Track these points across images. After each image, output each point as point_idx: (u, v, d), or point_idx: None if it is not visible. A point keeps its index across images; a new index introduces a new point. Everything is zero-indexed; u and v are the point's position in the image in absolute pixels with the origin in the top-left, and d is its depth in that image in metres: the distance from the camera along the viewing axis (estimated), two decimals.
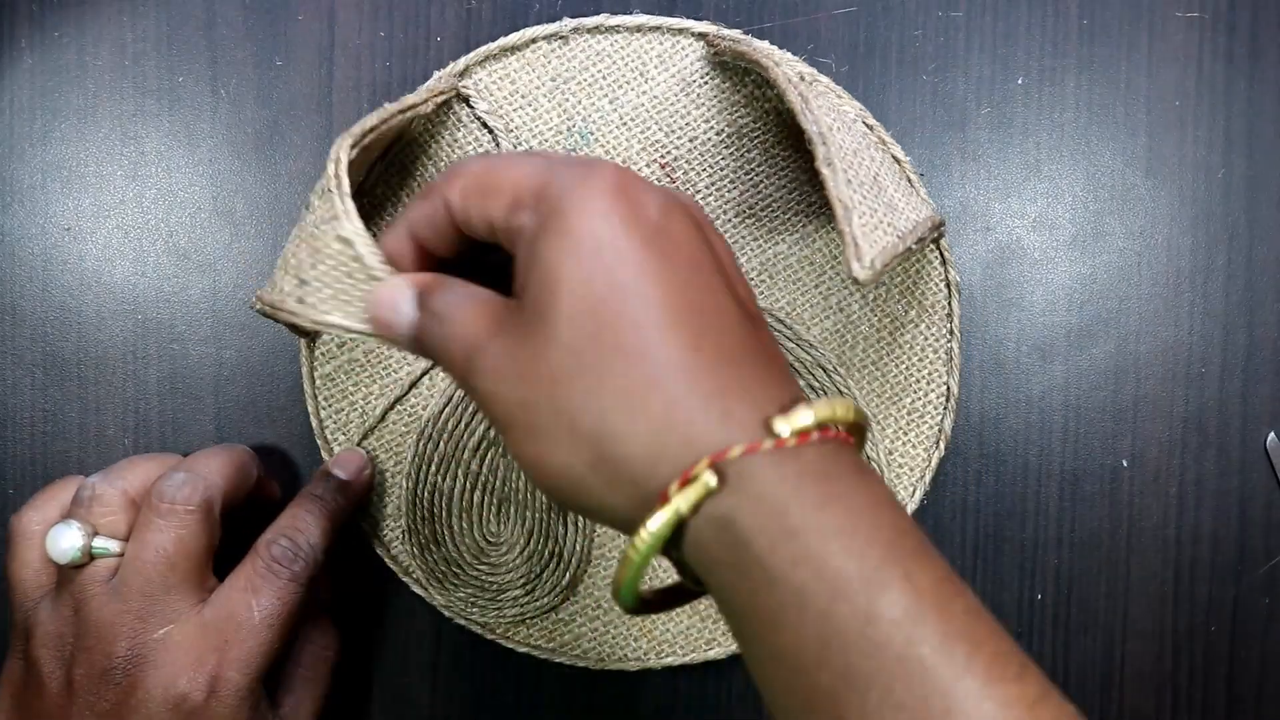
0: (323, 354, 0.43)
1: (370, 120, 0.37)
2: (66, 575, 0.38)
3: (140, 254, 0.44)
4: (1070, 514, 0.45)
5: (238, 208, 0.44)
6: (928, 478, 0.43)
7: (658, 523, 0.26)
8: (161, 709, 0.36)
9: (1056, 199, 0.45)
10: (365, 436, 0.43)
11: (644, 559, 0.26)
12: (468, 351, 0.29)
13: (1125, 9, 0.44)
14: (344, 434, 0.43)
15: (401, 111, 0.39)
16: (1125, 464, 0.45)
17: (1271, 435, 0.45)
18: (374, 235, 0.33)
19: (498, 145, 0.43)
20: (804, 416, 0.26)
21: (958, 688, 0.24)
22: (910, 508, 0.43)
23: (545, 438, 0.27)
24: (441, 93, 0.41)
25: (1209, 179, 0.45)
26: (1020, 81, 0.44)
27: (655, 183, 0.32)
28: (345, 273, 0.33)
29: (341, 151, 0.35)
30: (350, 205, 0.33)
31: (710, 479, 0.25)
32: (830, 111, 0.39)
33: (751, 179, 0.43)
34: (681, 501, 0.26)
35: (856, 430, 0.28)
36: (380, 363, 0.43)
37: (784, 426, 0.26)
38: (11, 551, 0.39)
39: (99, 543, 0.38)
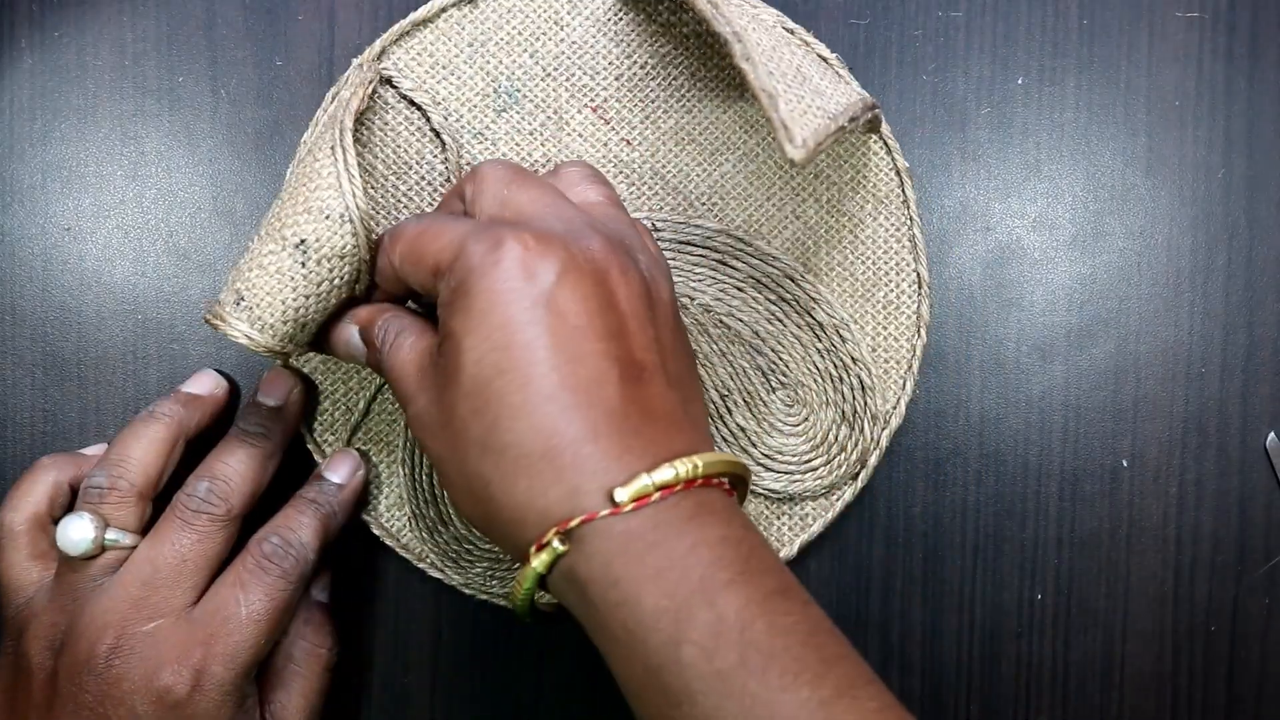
0: (296, 359, 0.43)
1: (351, 149, 0.37)
2: (72, 566, 0.38)
3: (140, 254, 0.44)
4: (1070, 514, 0.45)
5: (238, 208, 0.44)
6: (915, 367, 0.43)
7: (524, 579, 0.32)
8: (144, 702, 0.36)
9: (1056, 199, 0.45)
10: (354, 432, 0.43)
11: (522, 604, 0.32)
12: (404, 397, 0.34)
13: (1125, 9, 0.44)
14: (332, 433, 0.43)
15: (354, 116, 0.39)
16: (1125, 464, 0.45)
17: (1271, 435, 0.45)
18: None
19: (428, 119, 0.43)
20: (642, 483, 0.30)
21: (751, 694, 0.29)
22: (904, 401, 0.43)
23: (456, 490, 0.33)
24: (370, 81, 0.41)
25: (1209, 179, 0.45)
26: (1020, 81, 0.45)
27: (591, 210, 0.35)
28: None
29: (361, 205, 0.36)
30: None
31: (558, 544, 0.31)
32: (744, 16, 0.39)
33: (684, 104, 0.43)
34: (538, 562, 0.31)
35: (734, 479, 0.33)
36: None
37: (623, 494, 0.30)
38: (2, 551, 0.40)
39: (111, 534, 0.38)
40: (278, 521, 0.39)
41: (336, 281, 0.36)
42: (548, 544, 0.30)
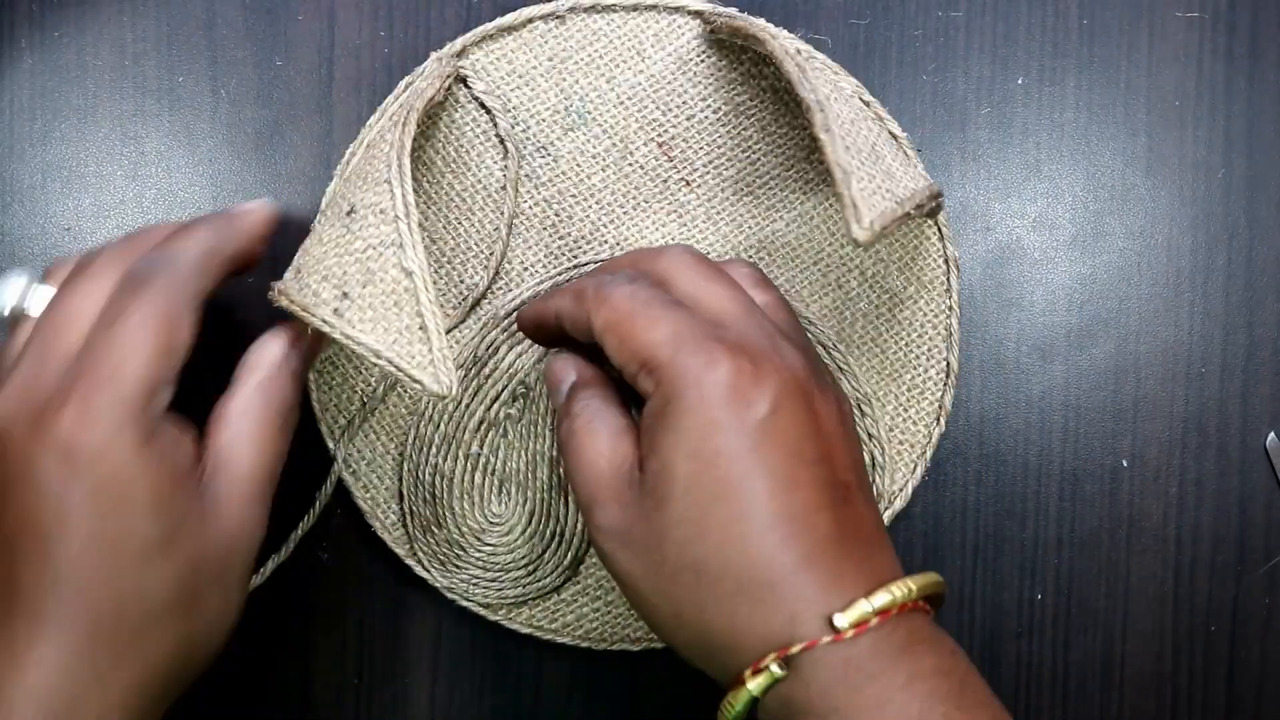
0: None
1: (412, 128, 0.38)
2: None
3: None
4: (1070, 514, 0.45)
5: None
6: (928, 454, 0.43)
7: (736, 700, 0.32)
8: (34, 445, 0.31)
9: (1056, 199, 0.45)
10: (366, 419, 0.43)
11: None
12: (587, 496, 0.34)
13: (1125, 9, 0.44)
14: (344, 416, 0.43)
15: (426, 106, 0.39)
16: (1125, 464, 0.45)
17: (1271, 435, 0.45)
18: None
19: (495, 125, 0.43)
20: (861, 610, 0.31)
21: None
22: (911, 485, 0.43)
23: (652, 610, 0.33)
24: (449, 75, 0.42)
25: (1209, 179, 0.45)
26: (1020, 81, 0.45)
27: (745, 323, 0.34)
28: (394, 301, 0.34)
29: (403, 171, 0.35)
30: (417, 234, 0.35)
31: (776, 670, 0.31)
32: (827, 84, 0.39)
33: (749, 156, 0.43)
34: (753, 686, 0.31)
35: (935, 598, 0.33)
36: None
37: (842, 620, 0.31)
38: None
39: (42, 291, 0.34)
40: (152, 253, 0.35)
41: (373, 241, 0.35)
42: (765, 669, 0.31)
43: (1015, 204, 0.45)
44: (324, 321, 0.35)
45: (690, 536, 0.32)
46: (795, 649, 0.31)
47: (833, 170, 0.34)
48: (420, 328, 0.34)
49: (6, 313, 0.35)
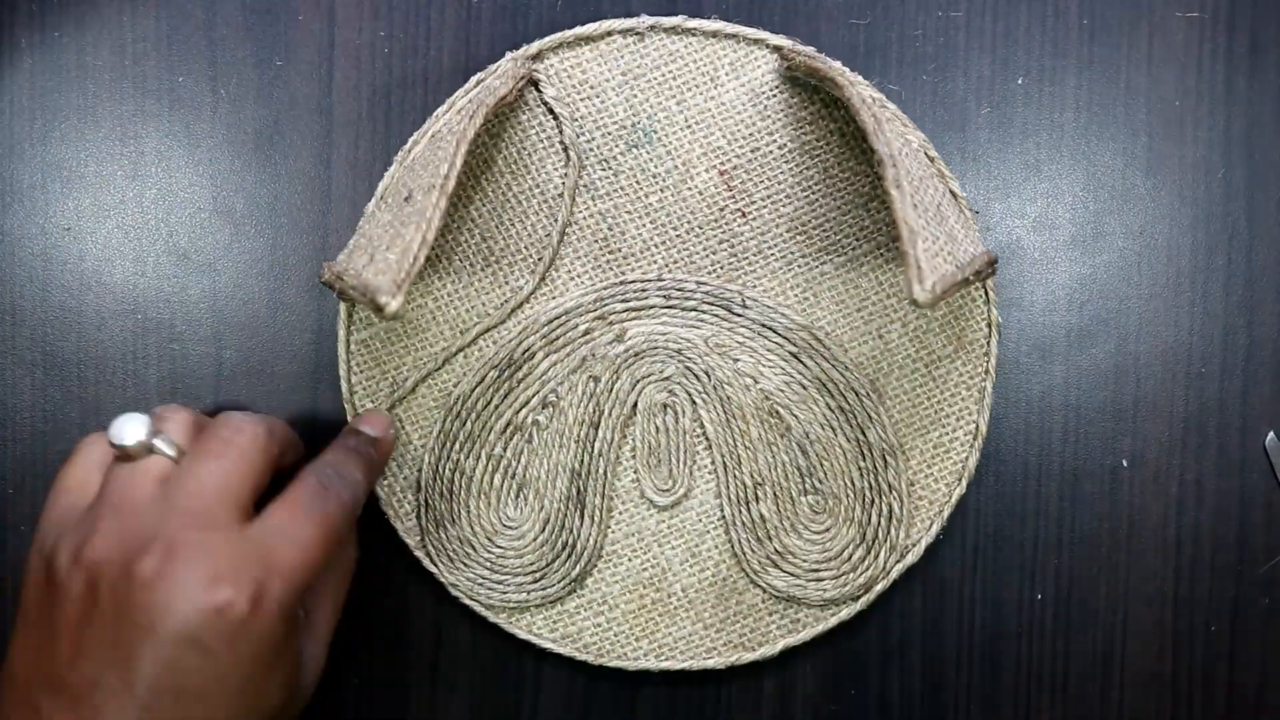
0: (360, 319, 0.43)
1: (479, 121, 0.38)
2: (114, 472, 0.36)
3: (140, 254, 0.44)
4: (1070, 514, 0.45)
5: (238, 208, 0.44)
6: (945, 513, 0.43)
7: None
8: (200, 617, 0.33)
9: (1056, 199, 0.45)
10: (393, 407, 0.43)
11: None
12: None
13: (1125, 9, 0.44)
14: (372, 401, 0.43)
15: (498, 104, 0.40)
16: (1125, 464, 0.45)
17: (1271, 435, 0.45)
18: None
19: (561, 132, 0.43)
20: None
21: None
22: (925, 542, 0.43)
23: None
24: (523, 77, 0.42)
25: (1209, 179, 0.45)
26: (1020, 81, 0.45)
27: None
28: (400, 249, 0.36)
29: (458, 158, 0.37)
30: (443, 205, 0.36)
31: None
32: (898, 137, 0.40)
33: (808, 196, 0.43)
34: None
35: None
36: (418, 334, 0.43)
37: None
38: (71, 457, 0.38)
39: (160, 441, 0.36)
40: (327, 459, 0.38)
41: (415, 218, 0.36)
42: None
43: (1015, 204, 0.45)
44: (338, 277, 0.37)
45: None
46: None
47: (900, 227, 0.34)
48: (399, 262, 0.35)
49: (133, 443, 0.36)
